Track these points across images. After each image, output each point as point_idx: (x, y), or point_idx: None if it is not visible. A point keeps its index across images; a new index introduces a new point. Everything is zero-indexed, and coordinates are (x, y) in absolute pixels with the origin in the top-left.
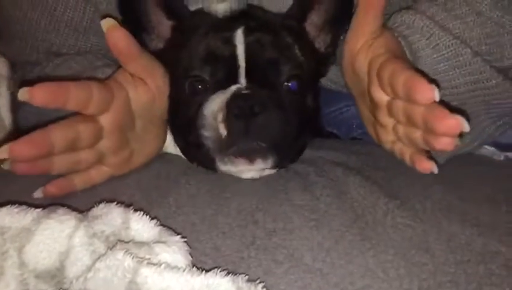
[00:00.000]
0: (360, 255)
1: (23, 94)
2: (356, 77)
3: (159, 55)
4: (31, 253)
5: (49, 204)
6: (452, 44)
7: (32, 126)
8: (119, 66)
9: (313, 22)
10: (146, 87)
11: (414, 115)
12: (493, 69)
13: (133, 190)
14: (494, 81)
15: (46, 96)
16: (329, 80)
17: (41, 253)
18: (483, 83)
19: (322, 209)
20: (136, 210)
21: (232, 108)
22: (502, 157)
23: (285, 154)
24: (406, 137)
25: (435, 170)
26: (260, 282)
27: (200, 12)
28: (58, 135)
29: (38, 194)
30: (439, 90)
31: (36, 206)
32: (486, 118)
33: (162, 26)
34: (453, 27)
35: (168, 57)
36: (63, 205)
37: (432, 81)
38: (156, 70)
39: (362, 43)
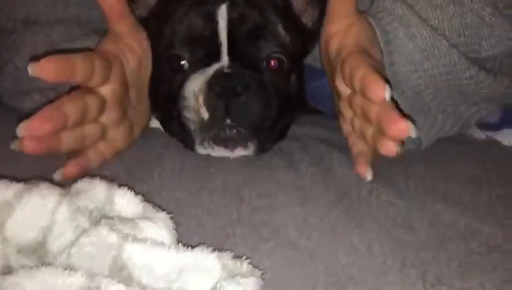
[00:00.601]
0: (344, 233)
1: (33, 69)
2: (328, 60)
3: (143, 23)
4: (13, 228)
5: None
6: (429, 36)
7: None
8: (99, 36)
9: None
10: (133, 52)
11: (369, 113)
12: (469, 61)
13: (115, 164)
14: (468, 74)
15: (56, 70)
16: (314, 57)
17: (24, 228)
18: (457, 74)
19: (307, 187)
20: (119, 185)
21: (214, 88)
22: (483, 136)
23: (267, 138)
24: (359, 131)
25: (369, 177)
26: (246, 259)
27: None
28: (71, 107)
29: (58, 176)
30: (391, 91)
31: (18, 180)
32: (462, 103)
33: None
34: (432, 17)
35: (152, 27)
36: (45, 179)
37: (387, 81)
38: (141, 32)
39: (336, 28)
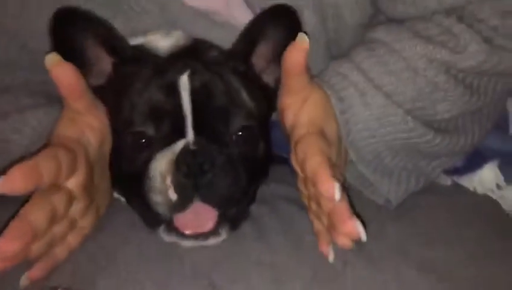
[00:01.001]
0: None
1: (2, 187)
2: (284, 128)
3: (99, 92)
4: None
5: None
6: (384, 104)
7: None
8: (50, 101)
9: (262, 55)
10: (93, 130)
11: (322, 203)
12: (425, 126)
13: (78, 253)
14: (425, 138)
15: (24, 182)
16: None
17: None
18: (414, 139)
19: (281, 265)
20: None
21: (181, 168)
22: (448, 182)
23: (239, 213)
24: (315, 214)
25: (331, 258)
26: None
27: (143, 49)
28: (38, 216)
29: (24, 281)
30: (341, 188)
31: None
32: (421, 159)
33: (102, 62)
34: (386, 83)
35: (109, 97)
36: None
37: (334, 177)
38: (99, 106)
39: (290, 100)
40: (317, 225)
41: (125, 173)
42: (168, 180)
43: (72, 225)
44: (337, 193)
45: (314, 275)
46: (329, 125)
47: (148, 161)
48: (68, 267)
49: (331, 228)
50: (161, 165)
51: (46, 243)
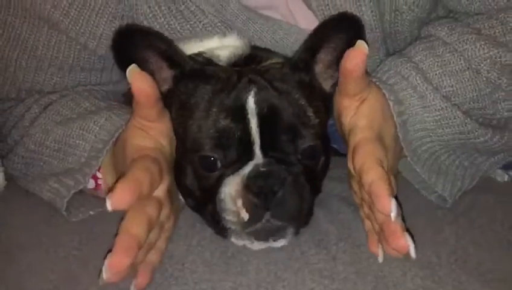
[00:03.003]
0: None
1: (113, 205)
2: (341, 128)
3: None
4: None
5: None
6: (443, 107)
7: None
8: (107, 105)
9: (322, 61)
10: (163, 135)
11: (375, 212)
12: (482, 127)
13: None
14: (482, 139)
15: (130, 197)
16: None
17: None
18: (472, 139)
19: (341, 274)
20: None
21: (252, 189)
22: (506, 178)
23: (304, 223)
24: (367, 215)
25: (380, 258)
26: None
27: (202, 61)
28: (140, 229)
29: None
30: (397, 206)
31: None
32: (479, 156)
33: (163, 74)
34: (446, 84)
35: (171, 108)
36: None
37: (391, 192)
38: (166, 112)
39: (348, 102)
40: (368, 225)
41: (196, 190)
42: (239, 203)
43: (161, 230)
44: (393, 211)
45: (374, 286)
46: (386, 127)
47: (216, 183)
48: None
49: (383, 238)
50: (232, 188)
51: (145, 250)
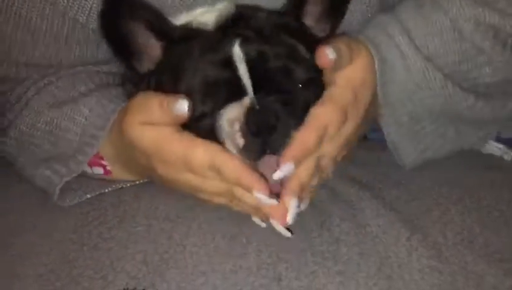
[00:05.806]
0: None
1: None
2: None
3: (150, 77)
4: None
5: None
6: (424, 69)
7: None
8: (102, 85)
9: (311, 14)
10: None
11: None
12: (465, 91)
13: (143, 242)
14: (465, 104)
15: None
16: None
17: None
18: (454, 105)
19: (345, 256)
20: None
21: (249, 123)
22: (500, 147)
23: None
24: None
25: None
26: None
27: (190, 28)
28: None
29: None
30: None
31: None
32: (464, 126)
33: (152, 47)
34: (430, 44)
35: (162, 83)
36: None
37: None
38: None
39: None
40: None
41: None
42: (237, 126)
43: None
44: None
45: (379, 267)
46: (364, 89)
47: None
48: (138, 257)
49: None
50: (230, 114)
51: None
